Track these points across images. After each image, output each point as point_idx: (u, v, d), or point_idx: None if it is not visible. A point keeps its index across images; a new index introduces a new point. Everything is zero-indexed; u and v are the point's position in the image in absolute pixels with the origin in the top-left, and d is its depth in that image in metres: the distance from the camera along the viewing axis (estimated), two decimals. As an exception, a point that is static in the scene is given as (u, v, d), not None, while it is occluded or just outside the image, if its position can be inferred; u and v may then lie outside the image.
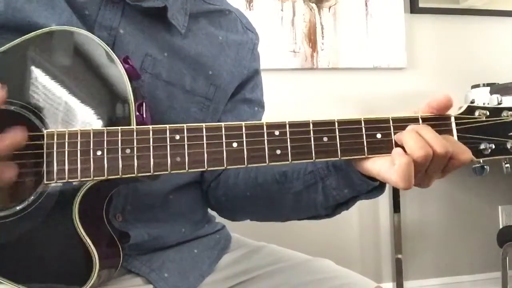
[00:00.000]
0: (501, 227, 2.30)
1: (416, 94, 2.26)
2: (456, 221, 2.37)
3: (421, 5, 2.32)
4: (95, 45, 0.65)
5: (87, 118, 0.64)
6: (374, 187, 0.70)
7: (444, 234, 2.36)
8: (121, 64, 0.65)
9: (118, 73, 0.64)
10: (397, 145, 0.63)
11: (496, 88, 1.85)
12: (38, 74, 0.65)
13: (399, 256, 2.20)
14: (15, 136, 0.59)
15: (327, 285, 0.81)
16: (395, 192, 2.21)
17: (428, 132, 0.61)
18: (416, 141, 0.60)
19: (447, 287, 2.33)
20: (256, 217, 0.88)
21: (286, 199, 0.78)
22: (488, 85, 1.99)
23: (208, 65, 0.83)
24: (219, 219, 0.95)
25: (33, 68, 0.65)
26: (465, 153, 0.62)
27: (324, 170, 0.72)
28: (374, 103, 2.22)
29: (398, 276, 2.20)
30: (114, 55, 0.65)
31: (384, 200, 2.27)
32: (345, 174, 0.69)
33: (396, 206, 2.21)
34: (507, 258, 1.90)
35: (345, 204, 0.74)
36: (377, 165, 0.64)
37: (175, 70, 0.79)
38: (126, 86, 0.64)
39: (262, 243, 0.93)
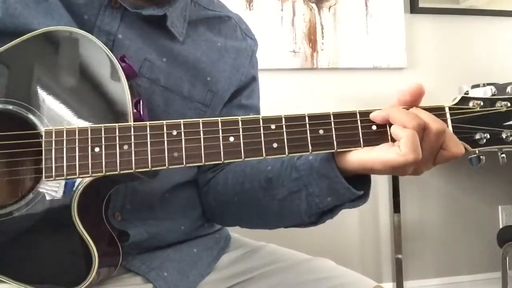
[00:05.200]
0: (501, 227, 2.30)
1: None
2: (456, 221, 2.37)
3: (421, 5, 2.33)
4: (93, 45, 0.66)
5: (85, 116, 0.64)
6: (358, 196, 0.69)
7: (444, 234, 2.35)
8: (118, 63, 0.65)
9: (115, 71, 0.65)
10: (392, 139, 0.63)
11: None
12: (36, 74, 0.65)
13: (399, 256, 2.20)
14: None
15: (327, 285, 0.81)
16: (395, 192, 2.21)
17: (421, 112, 0.63)
18: (406, 113, 0.62)
19: (447, 287, 2.33)
20: (244, 224, 0.86)
21: (271, 206, 0.76)
22: (488, 85, 2.00)
23: (207, 71, 0.83)
24: (219, 218, 0.95)
25: (31, 67, 0.66)
26: (458, 146, 0.63)
27: (307, 176, 0.70)
28: (374, 103, 2.20)
29: (398, 276, 2.20)
30: (111, 54, 0.65)
31: (384, 200, 2.27)
32: (329, 182, 0.68)
33: (396, 206, 2.21)
34: (507, 258, 1.90)
35: (330, 212, 0.72)
36: (374, 153, 0.62)
37: (173, 76, 0.79)
38: (123, 84, 0.65)
39: (262, 242, 0.93)
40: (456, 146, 0.62)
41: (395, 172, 0.64)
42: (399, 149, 0.60)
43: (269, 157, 0.62)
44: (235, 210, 0.83)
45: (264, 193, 0.76)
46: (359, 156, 0.64)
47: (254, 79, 0.92)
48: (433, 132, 0.61)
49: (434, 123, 0.61)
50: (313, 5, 2.22)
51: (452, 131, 0.64)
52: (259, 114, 0.93)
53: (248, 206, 0.80)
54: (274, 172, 0.75)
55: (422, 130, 0.61)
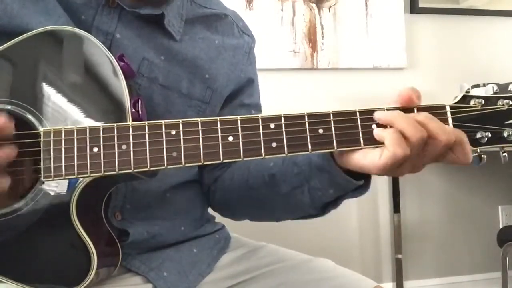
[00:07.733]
0: (501, 227, 2.30)
1: (416, 94, 2.26)
2: (456, 221, 2.36)
3: (421, 5, 2.33)
4: (91, 44, 0.66)
5: (83, 116, 0.64)
6: (359, 185, 0.69)
7: (444, 234, 2.35)
8: (116, 62, 0.65)
9: (113, 71, 0.65)
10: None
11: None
12: (34, 73, 0.65)
13: (399, 256, 2.20)
14: (9, 151, 0.59)
15: (327, 285, 0.81)
16: (395, 192, 2.21)
17: (431, 121, 0.61)
18: (412, 124, 0.61)
19: (447, 287, 2.33)
20: (252, 218, 0.89)
21: (275, 201, 0.79)
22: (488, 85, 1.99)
23: (205, 68, 0.83)
24: (219, 219, 0.95)
25: (29, 67, 0.66)
26: (466, 156, 0.62)
27: (308, 171, 0.72)
28: (374, 103, 2.21)
29: (398, 276, 2.20)
30: (110, 53, 0.65)
31: (384, 200, 2.27)
32: (329, 175, 0.69)
33: (396, 206, 2.21)
34: (507, 258, 1.90)
35: (333, 203, 0.74)
36: (369, 158, 0.63)
37: (172, 74, 0.79)
38: (121, 83, 0.64)
39: (262, 243, 0.92)
40: (464, 156, 0.62)
41: (393, 174, 0.64)
42: (387, 150, 0.60)
43: (268, 156, 0.62)
44: (241, 206, 0.86)
45: (268, 189, 0.78)
46: (356, 162, 0.64)
47: (253, 78, 0.93)
48: (443, 144, 0.60)
49: (444, 135, 0.60)
50: (313, 5, 2.21)
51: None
52: (260, 111, 0.94)
53: (253, 202, 0.82)
54: (277, 168, 0.77)
55: (425, 142, 0.60)
